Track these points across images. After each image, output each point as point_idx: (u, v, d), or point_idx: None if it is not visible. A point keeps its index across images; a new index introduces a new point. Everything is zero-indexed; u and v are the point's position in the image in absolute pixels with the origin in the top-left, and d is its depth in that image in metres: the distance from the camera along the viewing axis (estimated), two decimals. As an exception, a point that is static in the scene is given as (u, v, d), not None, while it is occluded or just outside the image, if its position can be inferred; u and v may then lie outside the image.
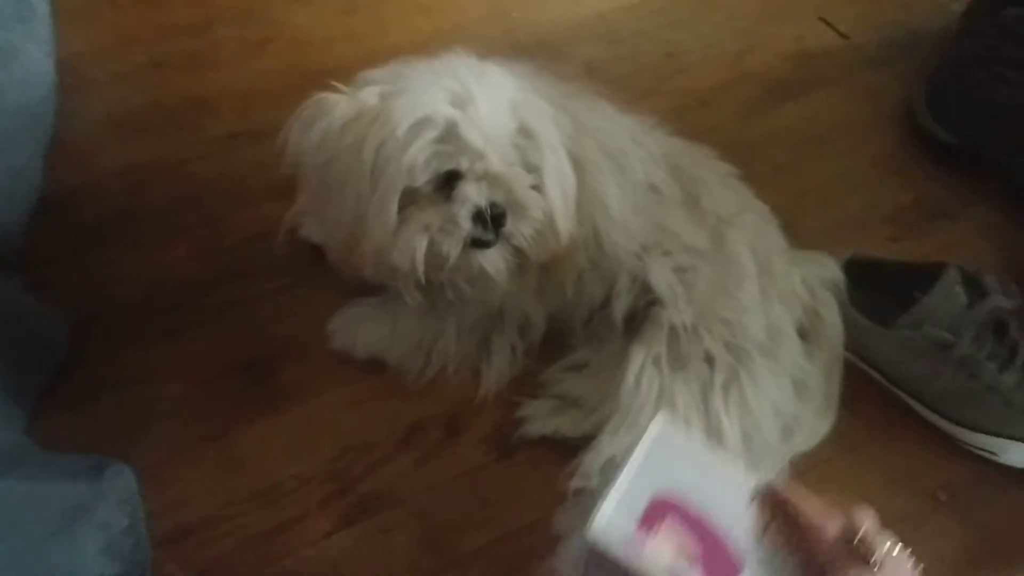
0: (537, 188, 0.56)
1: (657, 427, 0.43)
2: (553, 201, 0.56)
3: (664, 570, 0.38)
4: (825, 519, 0.38)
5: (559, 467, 0.61)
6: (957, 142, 0.84)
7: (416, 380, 0.67)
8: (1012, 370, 0.62)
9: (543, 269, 0.62)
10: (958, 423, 0.65)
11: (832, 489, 0.62)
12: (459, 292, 0.62)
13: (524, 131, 0.55)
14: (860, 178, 0.85)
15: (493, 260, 0.57)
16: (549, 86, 0.62)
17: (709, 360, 0.60)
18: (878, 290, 0.69)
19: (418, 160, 0.53)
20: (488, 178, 0.54)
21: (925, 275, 0.65)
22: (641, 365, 0.60)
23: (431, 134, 0.53)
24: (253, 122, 0.87)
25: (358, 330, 0.68)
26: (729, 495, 0.41)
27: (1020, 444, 0.63)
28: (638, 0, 1.02)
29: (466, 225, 0.54)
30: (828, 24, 0.99)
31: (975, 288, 0.62)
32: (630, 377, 0.59)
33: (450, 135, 0.53)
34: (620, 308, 0.64)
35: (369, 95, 0.56)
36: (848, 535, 0.37)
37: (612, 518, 0.39)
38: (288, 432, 0.65)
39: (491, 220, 0.54)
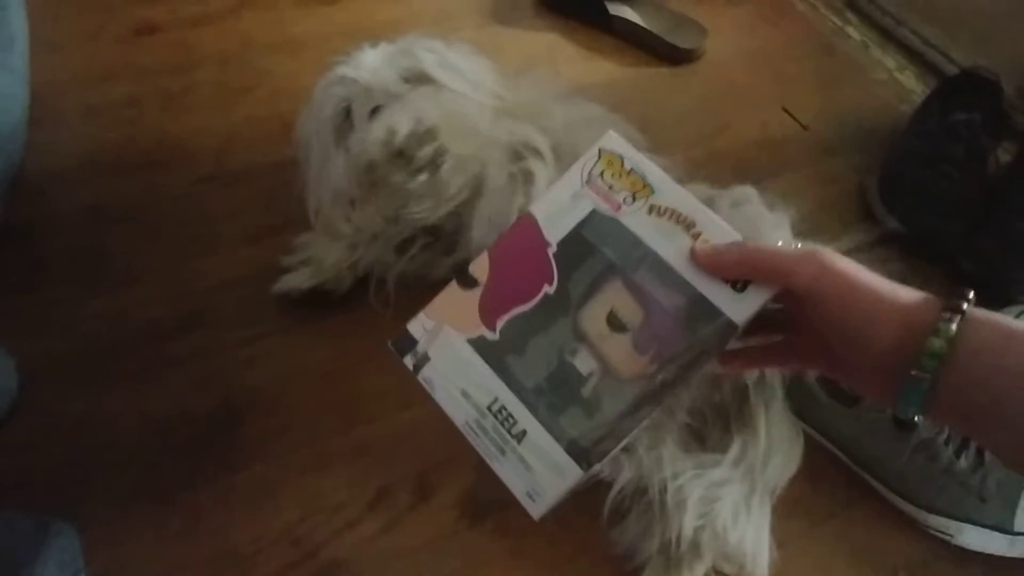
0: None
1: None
2: (441, 78, 0.70)
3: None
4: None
5: (527, 535, 0.60)
6: (907, 231, 0.89)
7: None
8: (967, 454, 0.64)
9: None
10: (916, 504, 0.66)
11: (797, 564, 0.64)
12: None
13: (398, 54, 0.71)
14: (820, 259, 0.89)
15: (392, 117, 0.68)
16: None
17: None
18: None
19: (326, 104, 0.72)
20: (366, 92, 0.69)
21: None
22: None
23: (329, 90, 0.72)
24: (228, 167, 0.86)
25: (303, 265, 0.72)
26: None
27: (974, 527, 0.65)
28: (613, 77, 1.07)
29: (368, 125, 0.67)
30: (789, 114, 1.06)
31: (932, 372, 0.65)
32: None
33: (337, 80, 0.71)
34: None
35: None
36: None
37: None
38: (248, 491, 0.61)
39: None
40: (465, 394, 0.41)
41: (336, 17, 1.04)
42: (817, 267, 0.36)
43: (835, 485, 0.69)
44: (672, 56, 1.09)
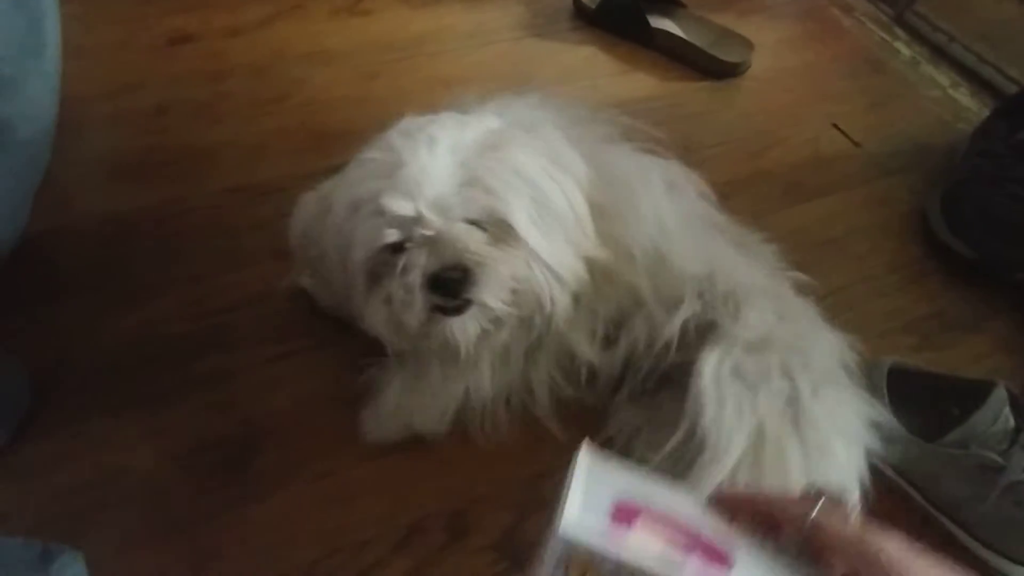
0: (506, 235, 0.52)
1: (586, 455, 0.38)
2: (533, 241, 0.52)
3: (654, 559, 0.32)
4: (783, 499, 0.36)
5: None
6: (974, 256, 0.83)
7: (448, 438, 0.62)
8: (1060, 501, 0.58)
9: (584, 304, 0.59)
10: (1001, 554, 0.60)
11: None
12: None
13: (473, 182, 0.51)
14: (879, 285, 0.83)
15: (462, 327, 0.53)
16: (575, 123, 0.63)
17: (787, 374, 0.55)
18: (914, 401, 0.65)
19: (357, 239, 0.52)
20: (430, 243, 0.50)
21: (967, 392, 0.61)
22: (717, 375, 0.54)
23: (364, 211, 0.51)
24: (256, 178, 0.82)
25: (393, 415, 0.61)
26: (683, 503, 0.37)
27: (1065, 582, 0.58)
28: (654, 93, 1.03)
29: (420, 294, 0.51)
30: (841, 131, 1.01)
31: (1020, 411, 0.59)
32: (709, 389, 0.54)
33: (379, 208, 0.50)
34: (685, 320, 0.60)
35: (326, 186, 0.59)
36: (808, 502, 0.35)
37: (581, 516, 0.33)
38: (267, 525, 0.57)
39: (450, 285, 0.50)
40: None
41: (370, 28, 1.02)
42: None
43: (907, 531, 0.62)
44: (715, 70, 1.05)
